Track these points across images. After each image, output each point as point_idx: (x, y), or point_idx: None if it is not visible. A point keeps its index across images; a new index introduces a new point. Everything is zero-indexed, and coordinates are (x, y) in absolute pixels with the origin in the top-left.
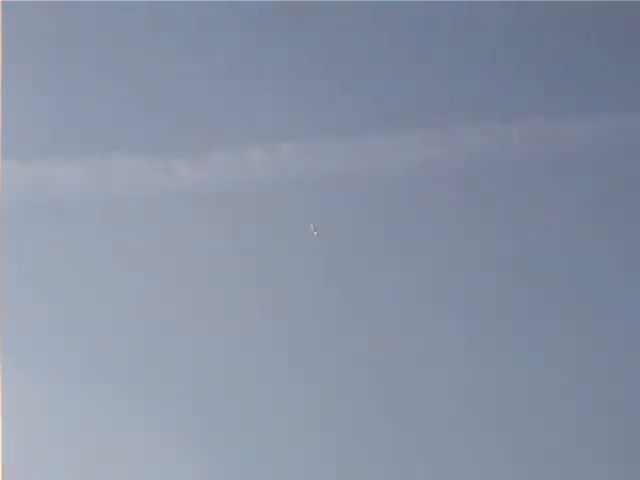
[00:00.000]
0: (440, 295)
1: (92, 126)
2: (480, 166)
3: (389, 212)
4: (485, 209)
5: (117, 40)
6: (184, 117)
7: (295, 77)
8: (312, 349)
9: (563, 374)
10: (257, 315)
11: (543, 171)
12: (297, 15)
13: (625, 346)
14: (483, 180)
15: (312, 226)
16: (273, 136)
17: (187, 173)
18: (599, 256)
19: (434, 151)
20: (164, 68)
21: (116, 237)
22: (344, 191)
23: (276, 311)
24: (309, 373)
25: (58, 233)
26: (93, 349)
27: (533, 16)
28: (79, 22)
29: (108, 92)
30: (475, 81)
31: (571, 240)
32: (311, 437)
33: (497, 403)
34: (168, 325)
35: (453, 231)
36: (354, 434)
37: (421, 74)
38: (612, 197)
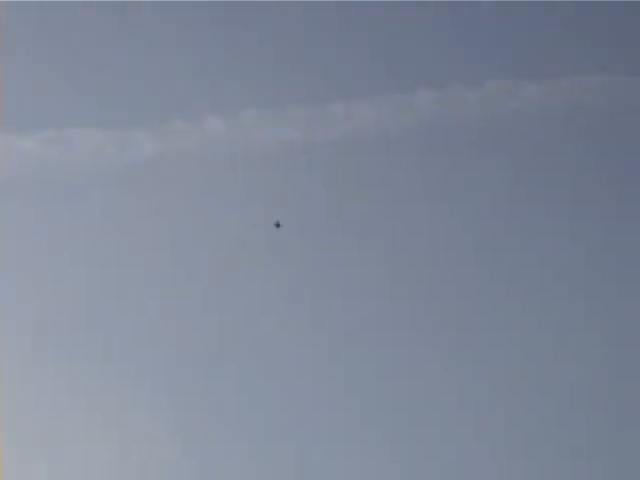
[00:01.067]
0: (399, 254)
1: (52, 100)
2: (440, 129)
3: (349, 177)
4: (445, 172)
5: (76, 19)
6: (144, 88)
7: (255, 47)
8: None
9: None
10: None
11: (502, 132)
12: None
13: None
14: (443, 143)
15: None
16: (233, 104)
17: (147, 143)
18: (561, 210)
19: (395, 116)
20: (124, 42)
21: (76, 208)
22: (305, 157)
23: (234, 279)
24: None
25: (17, 205)
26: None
27: None
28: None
29: (67, 67)
30: (434, 47)
31: (531, 199)
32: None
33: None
34: (129, 291)
35: (415, 195)
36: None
37: (381, 42)
38: (572, 157)
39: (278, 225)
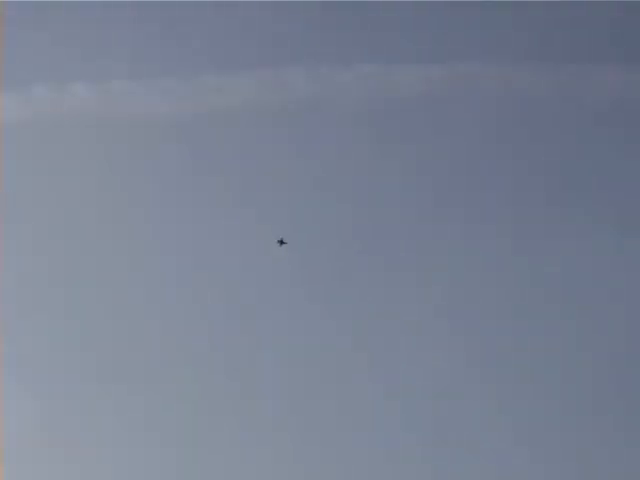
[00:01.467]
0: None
1: None
2: (307, 108)
3: (218, 150)
4: (311, 149)
5: None
6: (10, 50)
7: (129, 17)
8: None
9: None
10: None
11: (374, 116)
12: None
13: None
14: (313, 120)
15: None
16: (102, 73)
17: (9, 106)
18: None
19: (263, 92)
20: None
21: None
22: (172, 129)
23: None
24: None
25: None
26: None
27: None
28: None
29: None
30: (308, 26)
31: (394, 184)
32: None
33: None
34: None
35: (285, 171)
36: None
37: (258, 17)
38: (446, 141)
39: (282, 242)
